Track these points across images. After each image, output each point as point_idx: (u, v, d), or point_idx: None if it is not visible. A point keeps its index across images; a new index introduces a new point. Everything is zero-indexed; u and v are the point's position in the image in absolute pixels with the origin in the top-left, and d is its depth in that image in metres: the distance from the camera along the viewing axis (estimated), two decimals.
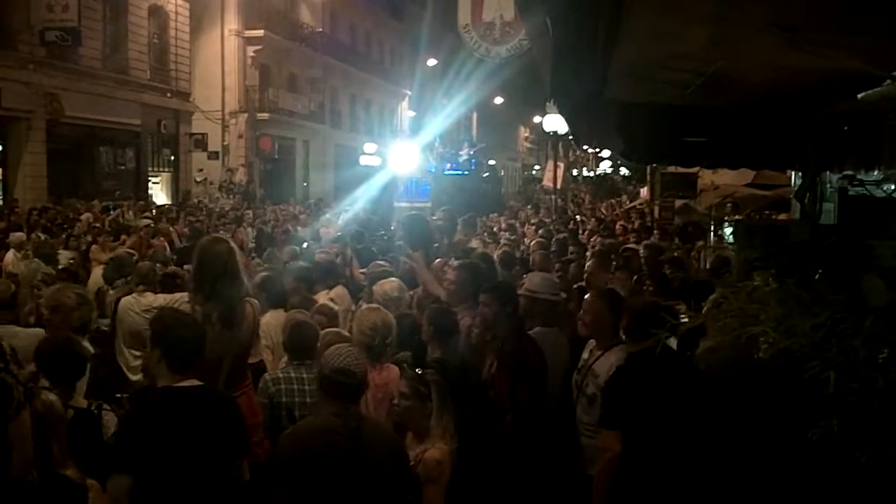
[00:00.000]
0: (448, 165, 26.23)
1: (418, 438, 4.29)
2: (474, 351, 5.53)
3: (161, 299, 6.72)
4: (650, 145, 7.42)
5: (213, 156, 32.70)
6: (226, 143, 33.35)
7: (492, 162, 42.36)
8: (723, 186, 16.42)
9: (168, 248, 14.04)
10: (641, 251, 10.20)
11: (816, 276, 6.13)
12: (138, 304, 7.09)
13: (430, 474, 4.08)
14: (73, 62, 24.50)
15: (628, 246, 11.52)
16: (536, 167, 72.49)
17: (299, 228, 19.22)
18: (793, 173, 11.24)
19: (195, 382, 3.84)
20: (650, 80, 5.99)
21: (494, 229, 15.89)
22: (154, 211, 22.11)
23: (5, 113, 22.24)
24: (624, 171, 33.13)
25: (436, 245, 8.51)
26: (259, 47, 33.90)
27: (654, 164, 16.01)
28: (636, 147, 7.52)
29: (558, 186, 24.10)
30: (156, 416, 3.72)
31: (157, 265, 8.70)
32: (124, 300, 7.24)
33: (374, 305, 5.39)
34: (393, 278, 6.75)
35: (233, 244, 4.81)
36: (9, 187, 23.13)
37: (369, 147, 39.32)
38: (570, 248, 11.45)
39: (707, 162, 9.51)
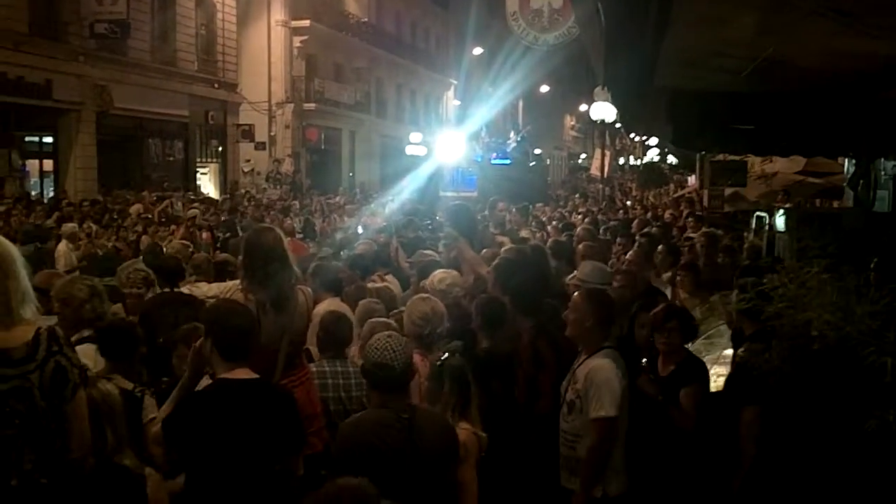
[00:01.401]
0: (494, 155, 26.17)
1: None
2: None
3: (215, 288, 6.76)
4: (700, 132, 7.35)
5: (260, 146, 32.96)
6: (272, 133, 33.60)
7: (538, 151, 42.15)
8: (773, 174, 16.18)
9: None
10: (697, 239, 10.03)
11: (872, 265, 6.03)
12: (195, 295, 7.14)
13: (458, 455, 4.09)
14: (123, 54, 24.85)
15: (688, 235, 11.39)
16: (583, 156, 72.03)
17: (346, 219, 19.37)
18: (845, 160, 11.05)
19: (251, 374, 3.85)
20: (700, 66, 5.93)
21: (542, 219, 15.83)
22: (201, 201, 22.38)
23: (56, 105, 22.57)
24: (671, 159, 32.72)
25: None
26: (305, 38, 34.05)
27: (704, 152, 15.80)
28: (686, 134, 7.45)
29: (605, 175, 23.93)
30: (209, 407, 3.75)
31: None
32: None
33: (425, 295, 5.39)
34: (447, 269, 6.73)
35: (280, 231, 4.85)
36: (60, 179, 23.52)
37: (415, 137, 39.29)
38: (619, 239, 11.34)
39: (758, 149, 9.39)
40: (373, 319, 5.46)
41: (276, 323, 4.51)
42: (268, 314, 4.47)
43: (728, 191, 17.30)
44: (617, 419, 4.70)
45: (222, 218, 17.91)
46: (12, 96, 20.76)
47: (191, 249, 9.89)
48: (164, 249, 10.19)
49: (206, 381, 4.07)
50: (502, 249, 7.51)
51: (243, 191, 27.81)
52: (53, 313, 5.05)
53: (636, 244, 9.36)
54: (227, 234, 13.62)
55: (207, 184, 30.75)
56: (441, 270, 6.54)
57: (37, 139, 23.57)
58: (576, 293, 5.32)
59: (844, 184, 11.72)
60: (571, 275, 7.14)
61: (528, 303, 5.64)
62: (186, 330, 5.03)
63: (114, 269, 7.52)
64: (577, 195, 24.99)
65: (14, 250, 3.33)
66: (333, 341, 5.19)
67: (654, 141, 37.75)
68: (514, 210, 14.26)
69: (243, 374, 3.83)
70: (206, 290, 7.11)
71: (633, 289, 6.92)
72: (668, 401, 5.06)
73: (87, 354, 4.58)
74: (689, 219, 14.89)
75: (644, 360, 5.40)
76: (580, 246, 8.59)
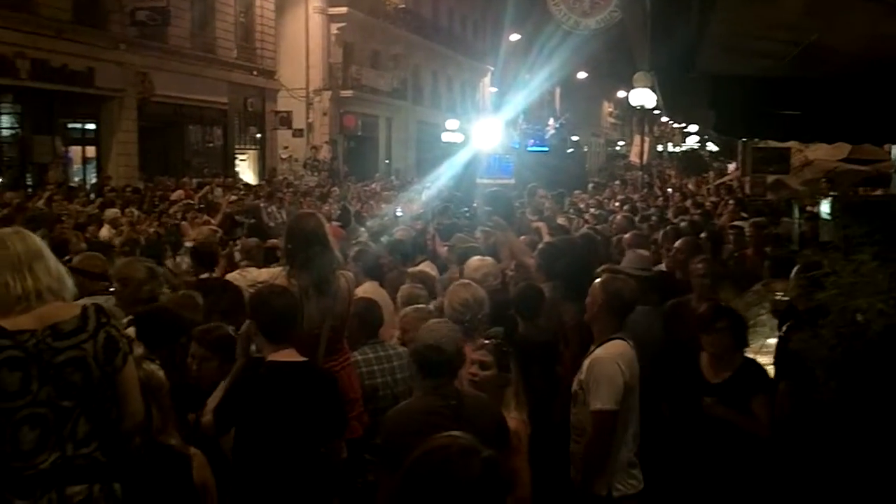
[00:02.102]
0: (531, 141, 26.05)
1: None
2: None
3: (265, 274, 6.84)
4: (743, 119, 7.24)
5: (298, 133, 33.11)
6: (310, 120, 33.73)
7: (575, 138, 41.92)
8: (817, 161, 15.93)
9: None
10: (746, 229, 9.78)
11: None
12: (244, 280, 7.15)
13: (510, 443, 4.08)
14: (163, 42, 25.04)
15: (735, 224, 11.19)
16: (620, 143, 71.53)
17: (382, 205, 19.41)
18: (892, 147, 10.85)
19: (297, 356, 3.92)
20: (744, 50, 5.85)
21: (580, 206, 15.74)
22: (242, 188, 22.53)
23: (98, 92, 22.83)
24: (711, 146, 32.38)
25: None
26: (343, 24, 34.12)
27: (746, 139, 15.59)
28: (728, 121, 7.34)
29: (644, 162, 23.73)
30: (259, 389, 3.83)
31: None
32: (229, 276, 7.37)
33: (466, 281, 5.38)
34: (483, 257, 6.71)
35: (321, 216, 4.91)
36: (101, 165, 23.81)
37: (451, 123, 39.25)
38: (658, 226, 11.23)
39: (802, 136, 9.24)
40: (410, 307, 5.50)
41: (318, 307, 4.56)
42: (310, 298, 4.53)
43: (770, 178, 17.06)
44: (616, 413, 4.51)
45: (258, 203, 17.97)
46: (56, 84, 21.03)
47: (220, 235, 10.04)
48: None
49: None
50: (544, 237, 7.49)
51: (281, 177, 27.97)
52: (98, 293, 5.15)
53: (674, 232, 9.24)
54: (252, 220, 13.71)
55: (246, 170, 30.96)
56: (477, 258, 6.52)
57: (79, 126, 23.85)
58: (596, 280, 5.12)
59: (892, 171, 11.51)
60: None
61: (574, 288, 5.55)
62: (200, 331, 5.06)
63: (157, 255, 7.64)
64: (616, 182, 24.81)
65: (37, 240, 3.41)
66: (369, 327, 5.22)
67: (694, 128, 37.37)
68: (549, 197, 14.19)
69: (289, 355, 3.91)
70: (255, 275, 7.18)
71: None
72: (735, 409, 4.75)
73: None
74: (728, 206, 14.67)
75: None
76: (627, 235, 8.46)
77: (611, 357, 4.58)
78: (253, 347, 4.13)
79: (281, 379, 3.83)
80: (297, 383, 3.85)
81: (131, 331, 4.64)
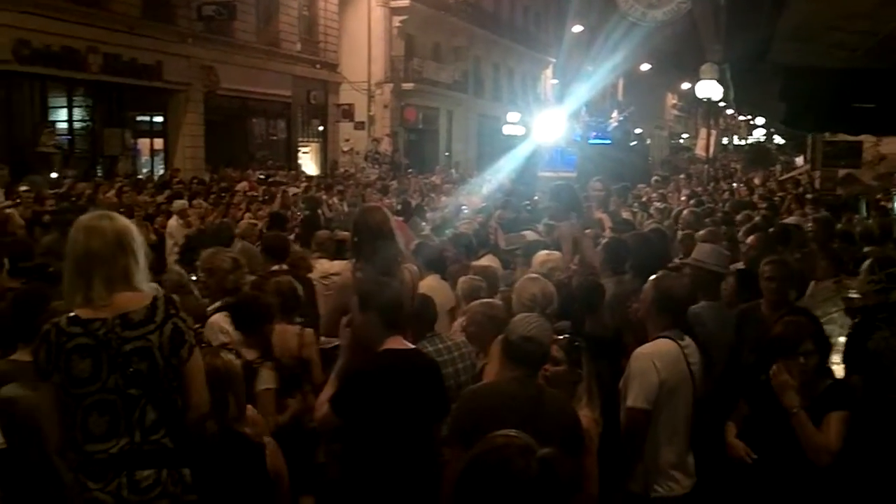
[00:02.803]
0: (593, 134, 25.81)
1: None
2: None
3: (337, 265, 6.92)
4: (814, 111, 7.09)
5: (360, 126, 33.29)
6: (371, 113, 33.90)
7: (638, 130, 41.45)
8: (891, 156, 15.52)
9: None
10: (809, 225, 9.51)
11: None
12: (316, 272, 7.24)
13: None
14: (229, 36, 25.40)
15: (800, 219, 10.84)
16: (684, 135, 70.57)
17: (443, 198, 19.43)
18: None
19: (407, 344, 4.13)
20: (817, 42, 5.72)
21: (644, 199, 15.54)
22: (304, 180, 22.75)
23: (166, 85, 23.26)
24: (778, 139, 31.72)
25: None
26: (405, 17, 34.18)
27: (817, 132, 15.23)
28: (799, 113, 7.20)
29: (710, 155, 23.36)
30: (378, 376, 3.98)
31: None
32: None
33: (534, 275, 5.35)
34: (549, 252, 6.66)
35: (387, 210, 4.96)
36: (169, 157, 24.29)
37: (513, 116, 39.10)
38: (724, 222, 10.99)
39: (877, 128, 9.02)
40: (476, 302, 5.51)
41: None
42: None
43: (841, 172, 16.66)
44: (647, 413, 4.40)
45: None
46: (126, 77, 21.49)
47: (259, 227, 10.25)
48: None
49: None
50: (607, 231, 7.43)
51: (342, 170, 28.19)
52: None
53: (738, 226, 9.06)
54: (308, 212, 13.86)
55: (308, 163, 31.24)
56: (544, 252, 6.48)
57: (147, 119, 24.33)
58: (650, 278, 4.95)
59: None
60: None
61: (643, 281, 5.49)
62: None
63: (225, 242, 7.80)
64: (681, 175, 24.42)
65: (133, 228, 3.51)
66: (426, 322, 5.23)
67: (760, 120, 36.68)
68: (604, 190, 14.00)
69: (401, 343, 4.10)
70: (327, 266, 7.24)
71: None
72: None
73: (222, 322, 4.81)
74: (795, 201, 14.28)
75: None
76: (701, 232, 8.26)
77: (647, 355, 4.50)
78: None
79: (398, 365, 4.02)
80: (412, 369, 4.05)
81: (219, 317, 4.87)
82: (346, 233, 8.87)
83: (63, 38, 19.18)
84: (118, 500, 3.24)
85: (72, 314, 3.33)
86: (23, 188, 13.24)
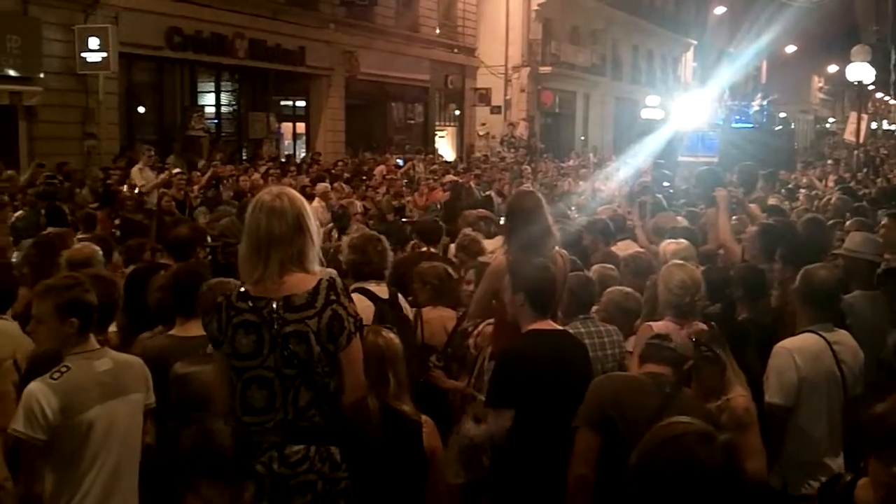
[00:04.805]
0: (737, 117, 24.98)
1: (706, 398, 4.16)
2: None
3: (491, 244, 6.98)
4: None
5: (496, 110, 33.25)
6: (508, 97, 33.77)
7: (783, 114, 39.87)
8: None
9: None
10: None
11: None
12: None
13: (742, 420, 4.02)
14: (370, 21, 25.81)
15: None
16: (831, 120, 67.51)
17: (580, 183, 19.23)
18: None
19: (556, 325, 4.22)
20: None
21: (791, 186, 14.95)
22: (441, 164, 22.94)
23: (309, 70, 23.83)
24: None
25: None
26: (543, 1, 33.90)
27: None
28: None
29: (861, 141, 22.25)
30: (530, 357, 4.06)
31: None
32: (451, 248, 7.56)
33: (680, 262, 5.25)
34: (679, 240, 6.47)
35: (539, 195, 4.96)
36: (311, 141, 24.91)
37: (652, 100, 38.16)
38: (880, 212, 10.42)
39: None
40: (613, 288, 5.49)
41: None
42: None
43: None
44: (784, 409, 4.35)
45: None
46: (271, 62, 22.16)
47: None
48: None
49: None
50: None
51: (478, 154, 28.27)
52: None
53: None
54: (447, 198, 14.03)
55: (445, 147, 31.48)
56: (672, 242, 6.30)
57: (290, 103, 25.00)
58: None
59: None
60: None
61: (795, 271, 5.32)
62: None
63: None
64: (828, 161, 23.37)
65: (308, 206, 3.59)
66: (580, 303, 5.22)
67: None
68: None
69: (549, 325, 4.20)
70: (487, 244, 7.29)
71: None
72: None
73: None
74: None
75: None
76: (850, 222, 7.89)
77: (787, 350, 4.42)
78: None
79: (553, 346, 4.13)
80: (563, 349, 4.14)
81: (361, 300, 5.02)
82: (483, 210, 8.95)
83: (212, 24, 19.90)
84: (269, 472, 3.36)
85: (242, 289, 3.47)
86: (176, 170, 13.82)
